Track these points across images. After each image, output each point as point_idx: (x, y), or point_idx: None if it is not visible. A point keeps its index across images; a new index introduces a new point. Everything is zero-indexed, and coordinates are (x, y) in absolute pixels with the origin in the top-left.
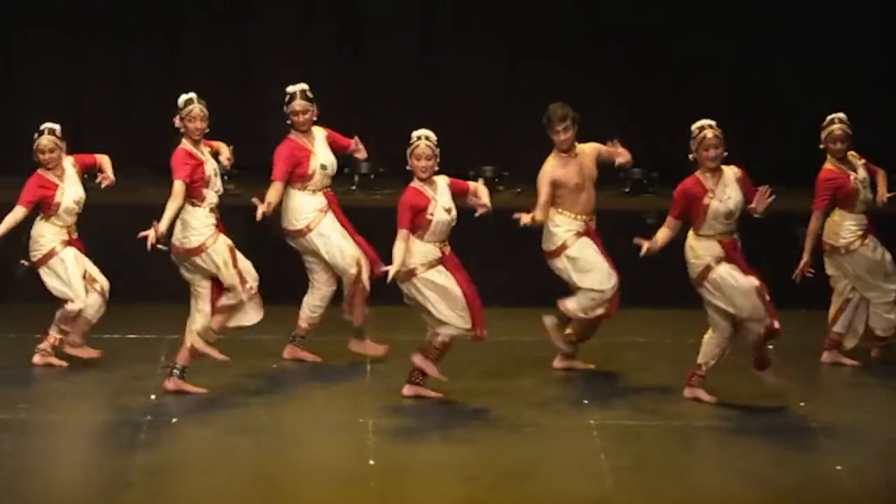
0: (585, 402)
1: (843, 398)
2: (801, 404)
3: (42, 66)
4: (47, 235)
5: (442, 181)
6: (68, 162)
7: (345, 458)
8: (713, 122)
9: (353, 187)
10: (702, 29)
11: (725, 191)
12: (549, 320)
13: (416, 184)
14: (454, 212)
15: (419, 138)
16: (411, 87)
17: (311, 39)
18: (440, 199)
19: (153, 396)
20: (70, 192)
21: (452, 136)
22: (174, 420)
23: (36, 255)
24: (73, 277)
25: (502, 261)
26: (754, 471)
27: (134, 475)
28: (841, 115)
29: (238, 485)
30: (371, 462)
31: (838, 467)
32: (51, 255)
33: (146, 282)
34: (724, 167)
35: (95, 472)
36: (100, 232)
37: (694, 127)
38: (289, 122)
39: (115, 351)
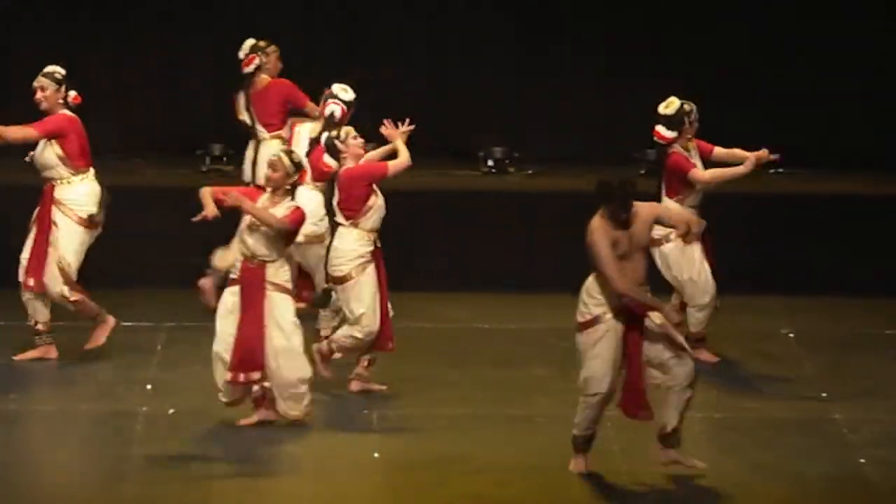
0: None
1: (865, 389)
2: (824, 395)
3: (39, 46)
4: None
5: None
6: None
7: (349, 450)
8: None
9: None
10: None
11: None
12: None
13: None
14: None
15: None
16: (420, 68)
17: (316, 19)
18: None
19: (149, 387)
20: None
21: (462, 118)
22: (171, 411)
23: None
24: None
25: (518, 246)
26: (777, 464)
27: (130, 467)
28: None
29: (238, 477)
30: (376, 455)
31: (862, 460)
32: None
33: (141, 266)
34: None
35: (90, 464)
36: None
37: None
38: None
39: (108, 339)
